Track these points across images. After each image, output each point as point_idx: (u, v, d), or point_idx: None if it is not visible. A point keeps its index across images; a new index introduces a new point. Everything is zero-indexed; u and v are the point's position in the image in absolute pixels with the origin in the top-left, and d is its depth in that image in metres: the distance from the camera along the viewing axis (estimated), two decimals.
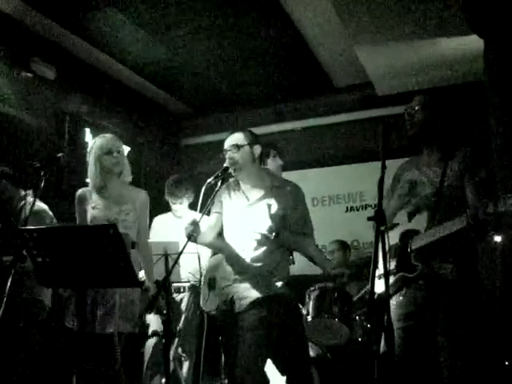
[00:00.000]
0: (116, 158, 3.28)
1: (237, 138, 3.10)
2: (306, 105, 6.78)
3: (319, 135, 6.78)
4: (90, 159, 3.34)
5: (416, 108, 2.86)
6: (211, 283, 4.16)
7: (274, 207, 3.02)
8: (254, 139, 3.13)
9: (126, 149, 3.54)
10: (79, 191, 3.40)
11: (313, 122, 6.78)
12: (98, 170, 3.30)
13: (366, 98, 6.40)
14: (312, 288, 4.52)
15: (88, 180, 3.41)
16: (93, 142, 3.41)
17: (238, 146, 3.06)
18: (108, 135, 3.40)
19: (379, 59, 5.45)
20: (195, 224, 2.82)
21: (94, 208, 3.31)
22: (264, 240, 3.01)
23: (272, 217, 2.98)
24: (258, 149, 3.11)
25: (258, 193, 3.10)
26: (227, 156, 3.07)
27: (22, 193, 3.72)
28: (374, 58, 5.44)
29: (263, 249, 3.04)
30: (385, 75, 5.80)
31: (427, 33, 4.93)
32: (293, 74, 6.16)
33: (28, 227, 2.71)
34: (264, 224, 2.99)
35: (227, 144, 3.10)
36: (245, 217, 3.07)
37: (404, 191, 2.94)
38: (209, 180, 2.93)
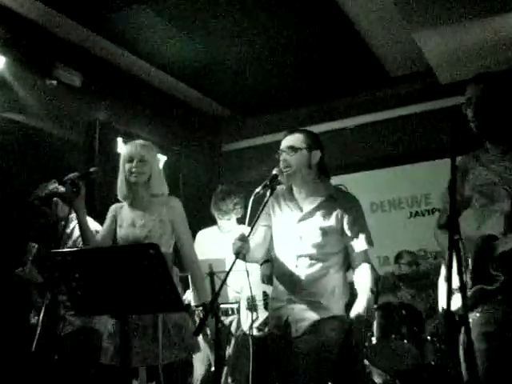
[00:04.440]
0: (136, 167, 3.32)
1: (295, 139, 3.07)
2: (358, 100, 6.76)
3: (375, 133, 6.74)
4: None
5: (476, 97, 2.77)
6: (249, 303, 4.17)
7: (331, 220, 3.00)
8: (314, 143, 3.09)
9: (162, 158, 3.57)
10: (112, 206, 3.47)
11: (367, 118, 6.76)
12: (124, 180, 3.36)
13: (428, 88, 6.33)
14: (375, 306, 4.47)
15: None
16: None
17: (294, 149, 3.04)
18: (136, 141, 3.44)
19: (440, 43, 5.37)
20: (244, 240, 2.82)
21: (120, 226, 3.37)
22: (321, 256, 2.99)
23: (327, 231, 2.96)
24: (316, 155, 3.07)
25: (311, 203, 3.08)
26: (281, 158, 3.06)
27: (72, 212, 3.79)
28: (434, 42, 5.36)
29: (318, 266, 3.02)
30: (448, 61, 5.72)
31: (492, 11, 4.84)
32: (342, 67, 6.13)
33: (60, 250, 2.75)
34: (317, 238, 2.98)
35: (283, 145, 3.08)
36: (297, 230, 3.06)
37: (481, 202, 2.84)
38: (256, 190, 2.91)
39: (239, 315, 4.48)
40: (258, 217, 2.92)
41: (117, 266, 2.47)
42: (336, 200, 3.06)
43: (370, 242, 3.06)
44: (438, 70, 5.93)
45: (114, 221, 3.42)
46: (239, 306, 4.44)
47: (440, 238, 2.95)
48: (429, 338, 4.37)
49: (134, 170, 3.31)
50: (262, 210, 2.95)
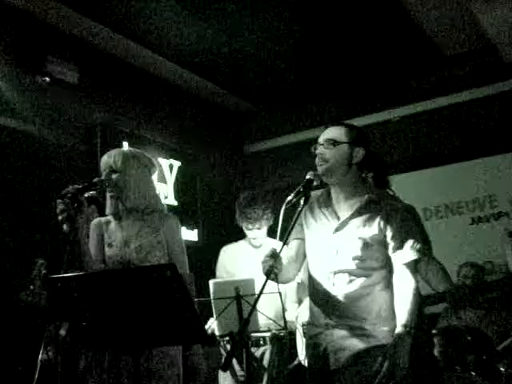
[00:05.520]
0: (106, 180, 3.37)
1: (336, 131, 3.10)
2: (405, 86, 6.74)
3: (425, 124, 6.73)
4: None
5: None
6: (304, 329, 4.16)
7: (372, 229, 2.97)
8: (358, 138, 3.11)
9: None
10: (94, 221, 3.51)
11: (416, 107, 6.73)
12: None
13: (488, 68, 6.30)
14: (435, 331, 4.42)
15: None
16: None
17: (334, 142, 3.05)
18: (116, 149, 3.52)
19: (504, 13, 5.32)
20: (275, 256, 2.81)
21: (109, 245, 3.41)
22: (362, 272, 2.97)
23: (368, 242, 2.95)
24: (359, 152, 3.08)
25: (349, 209, 3.07)
26: (317, 151, 3.07)
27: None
28: (497, 12, 5.31)
29: (359, 283, 3.00)
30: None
31: None
32: (387, 48, 6.12)
33: (62, 275, 2.76)
34: (356, 251, 2.97)
35: (321, 137, 3.11)
36: (333, 242, 3.05)
37: None
38: (288, 198, 2.90)
39: (272, 346, 4.48)
40: (292, 229, 2.91)
41: (128, 291, 2.48)
42: (378, 204, 3.04)
43: (419, 250, 2.96)
44: (501, 45, 5.89)
45: (102, 239, 3.45)
46: (272, 335, 4.43)
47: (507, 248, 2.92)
48: (503, 369, 4.29)
49: (107, 183, 3.36)
50: (296, 220, 2.94)
